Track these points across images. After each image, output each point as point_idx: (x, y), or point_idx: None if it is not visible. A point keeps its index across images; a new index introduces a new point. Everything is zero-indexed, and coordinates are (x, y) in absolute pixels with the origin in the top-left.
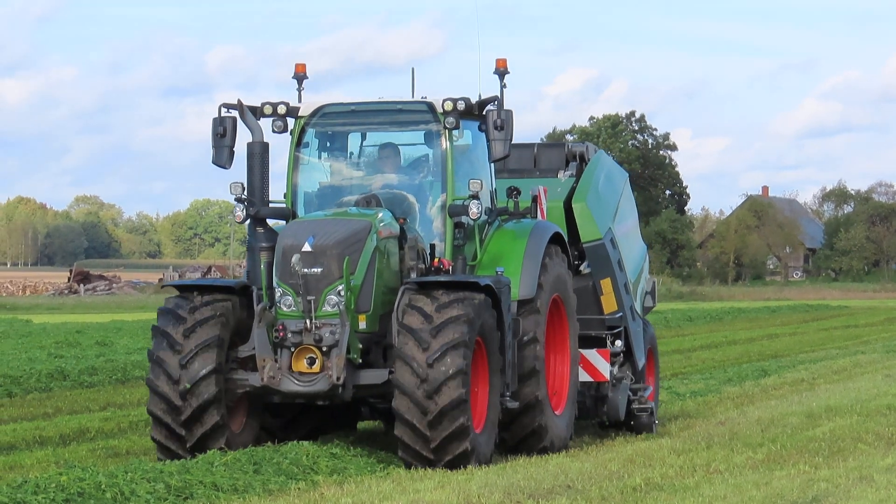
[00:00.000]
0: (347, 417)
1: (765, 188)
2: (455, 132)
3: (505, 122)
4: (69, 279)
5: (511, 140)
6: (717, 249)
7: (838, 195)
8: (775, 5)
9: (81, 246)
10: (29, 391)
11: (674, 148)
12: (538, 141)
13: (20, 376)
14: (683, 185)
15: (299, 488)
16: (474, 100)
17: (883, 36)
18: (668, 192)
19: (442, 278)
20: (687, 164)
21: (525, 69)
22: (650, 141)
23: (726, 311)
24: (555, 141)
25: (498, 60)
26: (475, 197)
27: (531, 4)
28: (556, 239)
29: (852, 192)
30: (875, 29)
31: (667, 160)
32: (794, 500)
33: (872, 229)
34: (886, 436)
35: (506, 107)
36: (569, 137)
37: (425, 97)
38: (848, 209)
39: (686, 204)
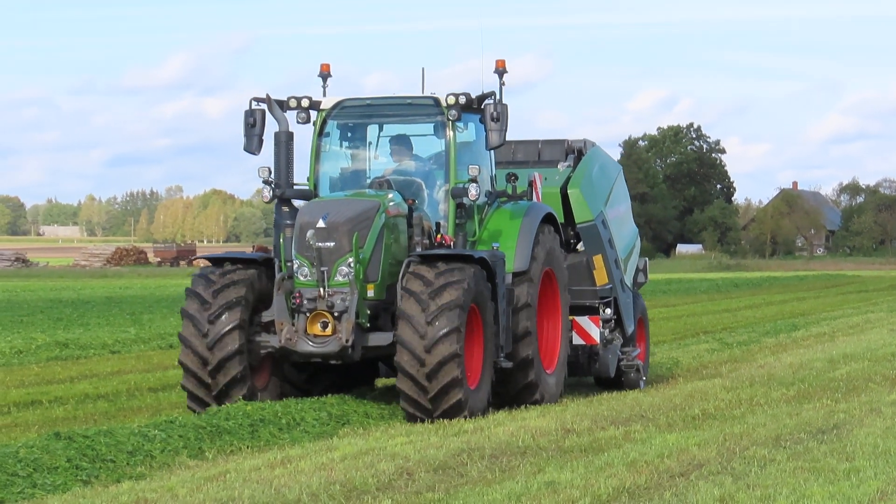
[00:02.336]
0: (367, 375)
1: (794, 183)
2: (459, 125)
3: (501, 115)
4: (252, 252)
5: (506, 130)
6: (757, 231)
7: (853, 188)
8: (808, 40)
9: (261, 227)
10: None
11: (723, 151)
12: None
13: None
14: (731, 180)
15: (493, 406)
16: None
17: (893, 62)
18: (718, 185)
19: (442, 251)
20: (736, 163)
21: (611, 89)
22: (704, 146)
23: (764, 279)
24: (558, 139)
25: (497, 61)
26: (474, 181)
27: (619, 39)
28: (548, 219)
29: (864, 186)
30: (887, 57)
31: (717, 161)
32: (819, 427)
33: (879, 215)
34: (891, 377)
35: (504, 103)
36: (641, 144)
37: (433, 93)
38: (860, 199)
39: (733, 195)
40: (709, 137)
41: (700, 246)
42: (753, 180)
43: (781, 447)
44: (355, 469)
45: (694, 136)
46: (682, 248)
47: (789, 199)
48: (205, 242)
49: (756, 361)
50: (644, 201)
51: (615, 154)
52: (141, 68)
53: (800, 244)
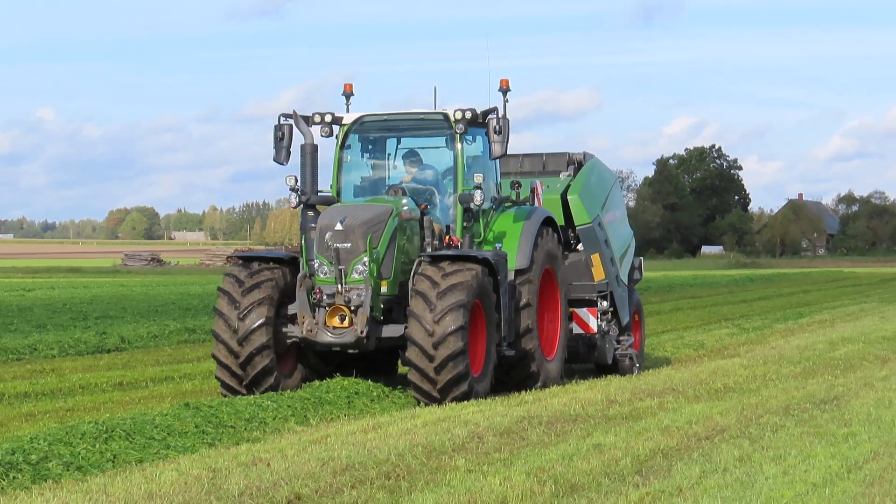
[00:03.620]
0: (388, 364)
1: (800, 194)
2: (468, 138)
3: (503, 128)
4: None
5: (507, 142)
6: (768, 235)
7: (849, 199)
8: (816, 74)
9: None
10: None
11: (740, 168)
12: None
13: None
14: (747, 192)
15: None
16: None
17: (888, 93)
18: (736, 197)
19: (449, 252)
20: (752, 178)
21: (650, 116)
22: (724, 164)
23: (775, 275)
24: (560, 152)
25: (502, 81)
26: (479, 188)
27: (658, 73)
28: (548, 222)
29: (858, 197)
30: (883, 88)
31: (736, 176)
32: (822, 398)
33: (871, 221)
34: (882, 357)
35: (506, 117)
36: (671, 162)
37: (444, 110)
38: (855, 208)
39: (749, 205)
40: (728, 156)
41: (721, 247)
42: (766, 192)
43: (790, 415)
44: (434, 434)
45: (716, 155)
46: (705, 249)
47: (796, 208)
48: (281, 245)
49: (768, 343)
50: (674, 210)
51: (648, 170)
52: (259, 100)
53: (804, 246)
